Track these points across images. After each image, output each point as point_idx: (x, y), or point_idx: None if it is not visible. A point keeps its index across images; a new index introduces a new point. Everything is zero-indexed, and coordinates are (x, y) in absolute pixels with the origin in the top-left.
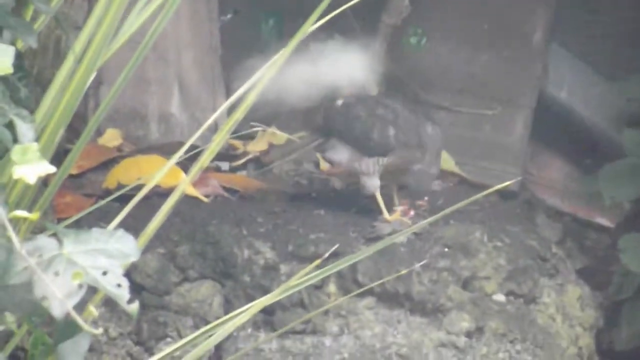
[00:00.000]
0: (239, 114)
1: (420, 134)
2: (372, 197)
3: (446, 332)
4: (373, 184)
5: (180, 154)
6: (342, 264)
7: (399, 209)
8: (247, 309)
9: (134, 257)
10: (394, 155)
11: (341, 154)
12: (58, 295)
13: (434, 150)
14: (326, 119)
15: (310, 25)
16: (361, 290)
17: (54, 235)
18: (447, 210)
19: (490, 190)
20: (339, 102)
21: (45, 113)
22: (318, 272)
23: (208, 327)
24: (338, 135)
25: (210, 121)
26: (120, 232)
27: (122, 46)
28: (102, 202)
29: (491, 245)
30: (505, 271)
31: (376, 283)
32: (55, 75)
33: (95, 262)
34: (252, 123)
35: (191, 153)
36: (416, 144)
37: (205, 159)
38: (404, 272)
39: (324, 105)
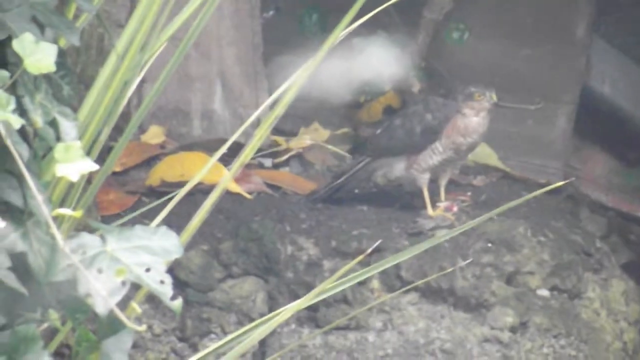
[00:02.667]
0: (279, 110)
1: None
2: (416, 193)
3: (490, 327)
4: (423, 177)
5: (222, 150)
6: (386, 264)
7: (442, 204)
8: (290, 307)
9: (176, 254)
10: (443, 135)
11: (396, 167)
12: (101, 292)
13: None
14: (372, 147)
15: (350, 21)
16: (405, 288)
17: (98, 232)
18: (498, 210)
19: (542, 189)
20: (379, 130)
21: (89, 111)
22: (360, 271)
23: (251, 325)
24: (387, 154)
25: (252, 118)
26: (163, 229)
27: (165, 44)
28: (151, 205)
29: (535, 240)
30: (549, 266)
31: (420, 281)
32: (98, 73)
33: (138, 259)
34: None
35: (234, 150)
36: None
37: (246, 155)
38: (448, 270)
39: (368, 140)
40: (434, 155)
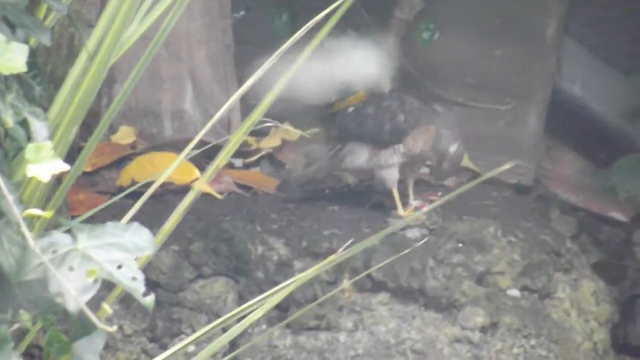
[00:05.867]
0: (256, 115)
1: (430, 118)
2: (387, 193)
3: (461, 327)
4: (391, 178)
5: (189, 149)
6: (353, 252)
7: (413, 204)
8: (260, 301)
9: (149, 250)
10: (408, 139)
11: (360, 157)
12: (72, 291)
13: (449, 127)
14: (340, 127)
15: (320, 19)
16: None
17: (69, 230)
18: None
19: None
20: (350, 109)
21: (59, 111)
22: (331, 261)
23: (221, 319)
24: (353, 139)
25: (219, 115)
26: (135, 225)
27: (135, 43)
28: (115, 199)
29: (505, 241)
30: (519, 266)
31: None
32: (68, 72)
33: (110, 256)
34: (264, 119)
35: (204, 149)
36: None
37: (221, 159)
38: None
39: (337, 114)
40: (394, 155)
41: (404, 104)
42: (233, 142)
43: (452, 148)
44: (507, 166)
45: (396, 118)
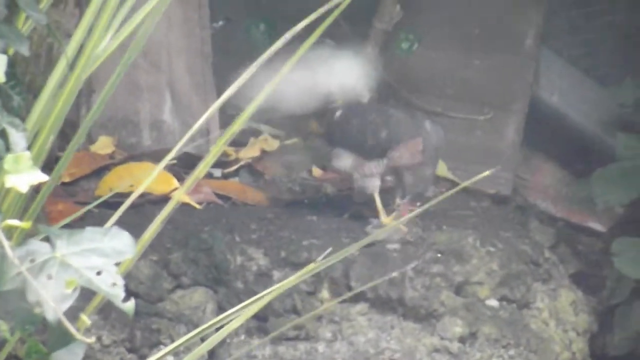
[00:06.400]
0: (236, 127)
1: (417, 132)
2: (367, 202)
3: (439, 337)
4: (373, 184)
5: (168, 159)
6: (332, 261)
7: (393, 213)
8: (239, 310)
9: (129, 254)
10: (392, 154)
11: (345, 161)
12: (50, 300)
13: (430, 147)
14: (328, 130)
15: (299, 30)
16: (353, 293)
17: (47, 238)
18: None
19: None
20: (338, 113)
21: (37, 120)
22: (309, 270)
23: (200, 329)
24: (340, 144)
25: (198, 124)
26: (114, 229)
27: (114, 53)
28: (91, 206)
29: (484, 251)
30: (498, 276)
31: (368, 285)
32: (47, 82)
33: (89, 262)
34: (250, 123)
35: (183, 160)
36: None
37: (201, 170)
38: (395, 274)
39: (326, 117)
40: (378, 167)
41: (389, 119)
42: (213, 153)
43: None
44: (487, 173)
45: (379, 135)
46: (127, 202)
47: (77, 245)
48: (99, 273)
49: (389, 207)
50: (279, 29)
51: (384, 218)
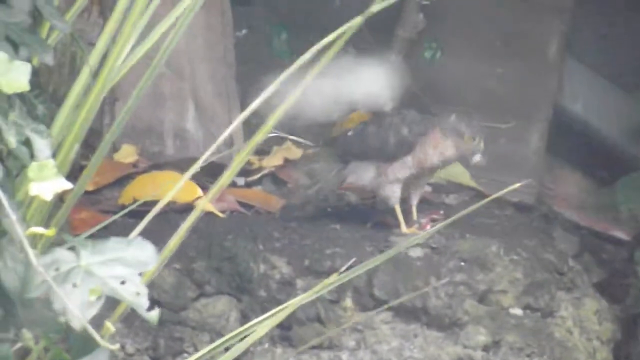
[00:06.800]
0: (260, 136)
1: (432, 121)
2: (389, 211)
3: (463, 346)
4: (394, 195)
5: (194, 169)
6: (355, 272)
7: (416, 223)
8: (263, 320)
9: (152, 265)
10: (417, 150)
11: (365, 175)
12: (75, 308)
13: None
14: (342, 150)
15: (325, 40)
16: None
17: (72, 247)
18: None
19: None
20: (350, 132)
21: (61, 129)
22: (333, 282)
23: (224, 339)
24: (357, 158)
25: (224, 136)
26: (138, 239)
27: (138, 62)
28: (116, 217)
29: (508, 259)
30: (522, 285)
31: (395, 302)
32: (71, 91)
33: (113, 271)
34: (273, 131)
35: (207, 169)
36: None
37: (225, 179)
38: (424, 290)
39: (338, 138)
40: (403, 168)
41: (405, 117)
42: (237, 162)
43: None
44: (515, 186)
45: (400, 132)
46: (153, 212)
47: (102, 255)
48: (123, 282)
49: (425, 213)
50: (301, 37)
51: (404, 229)
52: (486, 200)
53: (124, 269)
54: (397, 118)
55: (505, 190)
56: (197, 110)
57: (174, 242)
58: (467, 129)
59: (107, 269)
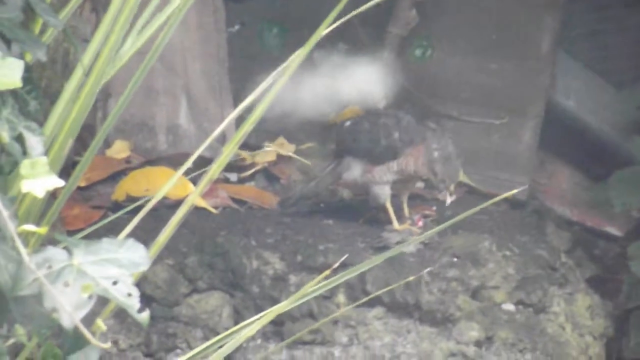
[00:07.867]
0: (247, 127)
1: (424, 133)
2: (381, 207)
3: (455, 341)
4: (384, 193)
5: (187, 165)
6: (350, 273)
7: (408, 219)
8: (258, 319)
9: (144, 266)
10: (401, 159)
11: (355, 171)
12: (67, 307)
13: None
14: (338, 140)
15: (318, 35)
16: (369, 297)
17: (65, 246)
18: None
19: (498, 198)
20: (347, 123)
21: (54, 125)
22: (327, 281)
23: (218, 337)
24: (349, 153)
25: (217, 132)
26: (130, 241)
27: (130, 58)
28: (113, 217)
29: (500, 255)
30: (514, 280)
31: (383, 290)
32: (64, 87)
33: (106, 272)
34: (265, 144)
35: (200, 164)
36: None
37: (214, 172)
38: (411, 278)
39: (335, 128)
40: (388, 172)
41: (400, 121)
42: (225, 154)
43: (438, 167)
44: (515, 191)
45: (392, 135)
46: (146, 208)
47: (94, 255)
48: (114, 283)
49: (417, 209)
50: (292, 33)
51: (396, 226)
52: (488, 202)
53: (117, 269)
54: (392, 120)
55: (503, 195)
56: (190, 105)
57: (164, 236)
58: (441, 169)
59: (100, 268)
